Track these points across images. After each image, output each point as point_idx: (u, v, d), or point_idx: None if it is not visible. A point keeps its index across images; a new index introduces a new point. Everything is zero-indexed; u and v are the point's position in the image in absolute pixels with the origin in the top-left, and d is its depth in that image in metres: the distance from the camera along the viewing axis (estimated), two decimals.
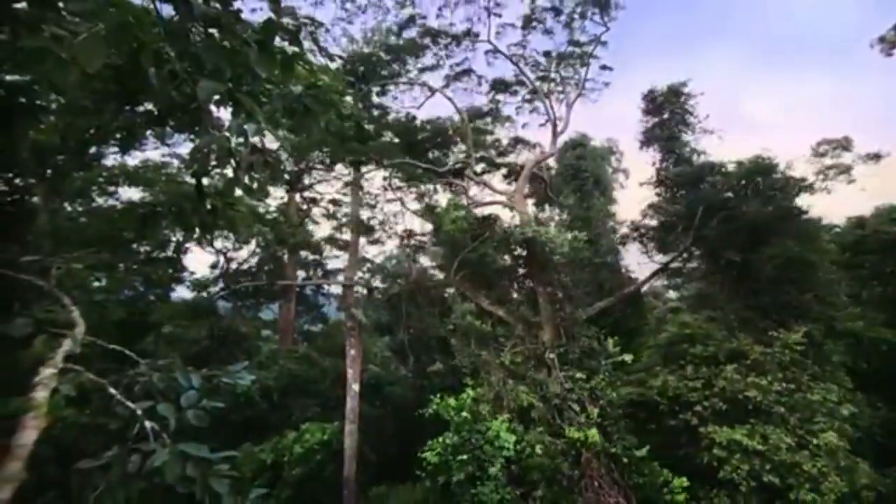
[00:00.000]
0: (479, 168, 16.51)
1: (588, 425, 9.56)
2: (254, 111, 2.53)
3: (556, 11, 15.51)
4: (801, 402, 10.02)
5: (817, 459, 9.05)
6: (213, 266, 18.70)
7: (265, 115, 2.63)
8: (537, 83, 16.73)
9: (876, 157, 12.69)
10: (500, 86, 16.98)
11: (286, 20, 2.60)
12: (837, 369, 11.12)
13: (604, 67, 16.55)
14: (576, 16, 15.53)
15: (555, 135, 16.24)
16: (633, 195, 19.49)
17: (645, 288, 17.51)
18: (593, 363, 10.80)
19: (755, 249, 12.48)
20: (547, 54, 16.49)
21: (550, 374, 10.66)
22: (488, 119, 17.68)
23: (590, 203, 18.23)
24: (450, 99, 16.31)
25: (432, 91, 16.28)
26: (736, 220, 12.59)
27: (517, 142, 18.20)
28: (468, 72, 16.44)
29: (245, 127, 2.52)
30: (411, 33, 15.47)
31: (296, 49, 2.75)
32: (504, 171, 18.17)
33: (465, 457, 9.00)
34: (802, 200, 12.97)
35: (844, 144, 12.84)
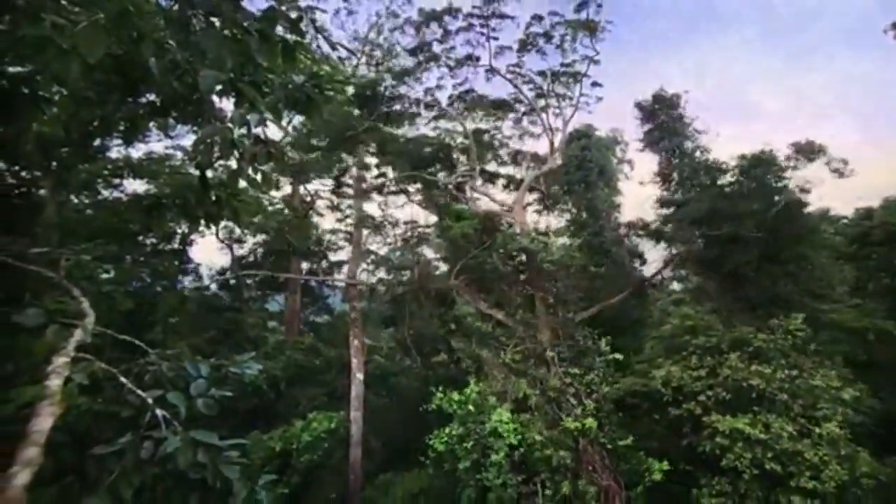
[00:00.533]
0: (481, 180, 17.59)
1: (584, 416, 9.98)
2: (256, 101, 2.51)
3: (548, 37, 16.79)
4: (804, 387, 10.04)
5: (819, 448, 9.09)
6: (231, 267, 18.99)
7: (267, 106, 2.60)
8: (534, 99, 17.87)
9: (841, 173, 12.85)
10: (499, 105, 18.23)
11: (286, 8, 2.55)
12: (826, 358, 11.14)
13: (595, 84, 17.78)
14: (567, 38, 16.84)
15: (552, 149, 17.20)
16: (636, 190, 19.69)
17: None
18: (588, 360, 11.44)
19: (736, 248, 12.57)
20: (542, 74, 17.64)
21: (549, 370, 11.17)
22: (490, 134, 18.82)
23: (594, 194, 18.10)
24: (455, 117, 17.36)
25: (433, 107, 17.06)
26: (725, 222, 12.70)
27: (517, 154, 19.49)
28: (469, 92, 17.67)
29: (248, 117, 2.50)
30: (418, 58, 16.58)
31: (297, 38, 2.70)
32: (504, 181, 19.24)
33: (469, 444, 9.21)
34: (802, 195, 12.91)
35: (815, 150, 12.71)
